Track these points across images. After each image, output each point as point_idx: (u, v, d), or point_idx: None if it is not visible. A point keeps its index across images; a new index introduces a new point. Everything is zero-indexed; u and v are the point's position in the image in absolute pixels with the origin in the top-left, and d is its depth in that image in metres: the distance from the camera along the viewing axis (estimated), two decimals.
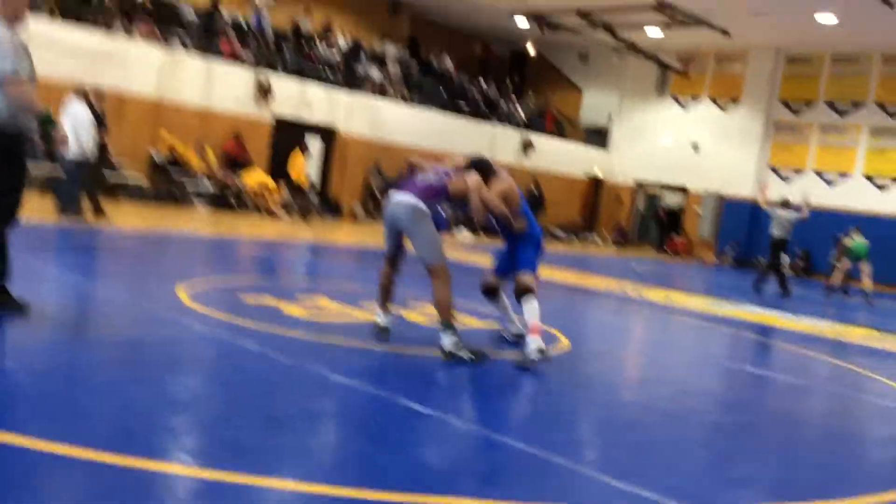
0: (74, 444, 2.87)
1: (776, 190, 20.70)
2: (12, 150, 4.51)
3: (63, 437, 2.93)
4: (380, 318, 5.65)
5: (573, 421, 4.38)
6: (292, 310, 6.24)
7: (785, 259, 15.08)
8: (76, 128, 10.50)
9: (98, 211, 11.42)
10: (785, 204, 14.53)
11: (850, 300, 15.70)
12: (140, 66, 15.50)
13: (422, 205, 5.18)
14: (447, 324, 5.14)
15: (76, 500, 2.49)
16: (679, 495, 3.22)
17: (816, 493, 3.52)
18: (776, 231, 14.20)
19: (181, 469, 2.85)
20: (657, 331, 8.85)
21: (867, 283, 15.52)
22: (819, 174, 22.73)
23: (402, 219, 5.23)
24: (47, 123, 12.66)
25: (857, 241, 15.94)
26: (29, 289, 5.36)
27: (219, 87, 16.99)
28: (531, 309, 5.37)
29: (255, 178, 16.77)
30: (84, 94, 10.91)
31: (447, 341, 5.11)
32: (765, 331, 9.32)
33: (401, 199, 5.27)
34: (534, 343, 5.26)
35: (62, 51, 13.65)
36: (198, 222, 13.53)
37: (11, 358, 3.91)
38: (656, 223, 26.57)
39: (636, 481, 3.31)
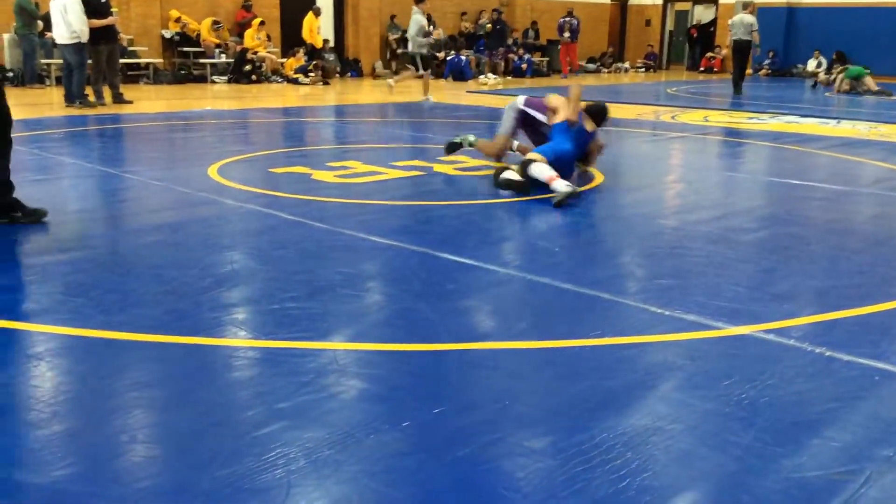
0: (131, 331, 2.97)
1: None
2: None
3: (119, 325, 3.03)
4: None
5: (613, 255, 4.39)
6: (323, 175, 6.25)
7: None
8: (65, 13, 10.32)
9: (118, 97, 11.37)
10: (745, 5, 15.65)
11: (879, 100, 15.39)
12: None
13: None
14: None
15: (144, 382, 2.59)
16: (721, 315, 3.25)
17: (860, 299, 3.52)
18: (736, 34, 15.47)
19: (235, 342, 2.94)
20: (694, 154, 8.70)
21: (872, 85, 16.53)
22: None
23: None
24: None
25: (853, 66, 16.86)
26: (56, 186, 5.42)
27: None
28: (539, 169, 5.59)
29: (248, 35, 16.47)
30: None
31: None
32: (806, 140, 9.10)
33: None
34: (559, 185, 5.42)
35: None
36: (219, 98, 13.41)
37: (54, 253, 4.00)
38: (688, 42, 25.58)
39: (679, 306, 3.34)
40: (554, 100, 6.35)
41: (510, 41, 21.17)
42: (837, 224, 5.16)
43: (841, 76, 16.83)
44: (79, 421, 2.33)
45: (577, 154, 6.08)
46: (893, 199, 5.99)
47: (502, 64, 19.82)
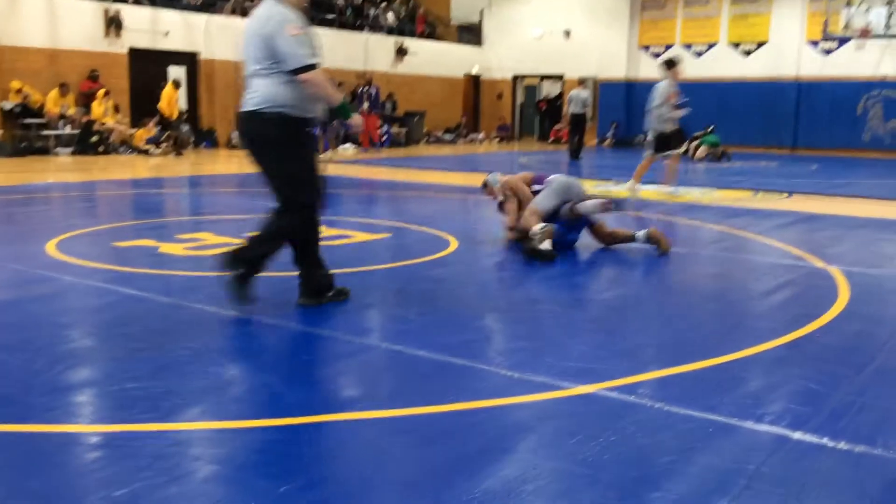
0: None
1: (650, 68, 21.22)
2: (300, 134, 4.20)
3: None
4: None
5: (465, 321, 4.44)
6: (170, 248, 6.04)
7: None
8: None
9: None
10: (580, 81, 17.45)
11: (717, 166, 16.54)
12: None
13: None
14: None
15: None
16: (569, 375, 3.34)
17: (701, 353, 3.71)
18: (573, 108, 17.01)
19: (68, 427, 2.75)
20: None
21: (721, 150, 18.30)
22: (687, 46, 23.29)
23: None
24: None
25: (711, 136, 18.54)
26: None
27: (65, 23, 15.91)
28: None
29: (95, 105, 15.99)
30: None
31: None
32: (646, 206, 9.63)
33: None
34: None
35: None
36: (62, 171, 12.82)
37: None
38: (537, 114, 26.82)
39: (528, 369, 3.41)
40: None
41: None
42: (675, 283, 5.46)
43: (699, 145, 18.13)
44: None
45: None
46: (725, 259, 6.42)
47: (333, 138, 19.51)
